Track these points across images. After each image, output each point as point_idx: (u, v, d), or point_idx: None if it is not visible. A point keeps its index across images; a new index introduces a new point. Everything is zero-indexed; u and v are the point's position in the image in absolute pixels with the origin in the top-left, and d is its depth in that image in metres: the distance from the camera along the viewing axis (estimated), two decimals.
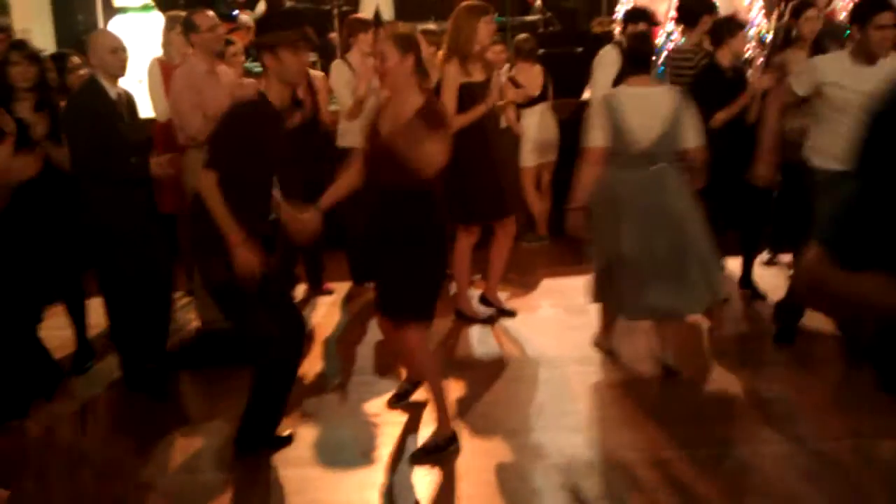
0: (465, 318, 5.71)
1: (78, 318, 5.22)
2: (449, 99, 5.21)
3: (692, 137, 4.51)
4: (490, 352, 5.27)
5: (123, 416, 4.65)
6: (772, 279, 6.13)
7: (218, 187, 3.69)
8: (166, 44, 6.10)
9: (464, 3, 5.41)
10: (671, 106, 4.49)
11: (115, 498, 3.78)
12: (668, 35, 8.26)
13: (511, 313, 5.79)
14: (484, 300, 5.84)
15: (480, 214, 5.48)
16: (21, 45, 4.98)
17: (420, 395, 4.41)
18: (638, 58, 4.65)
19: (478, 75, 5.33)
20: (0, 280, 4.43)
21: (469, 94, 5.25)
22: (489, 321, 5.67)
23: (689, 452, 3.91)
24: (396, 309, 3.95)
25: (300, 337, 4.12)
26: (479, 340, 5.41)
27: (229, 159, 3.72)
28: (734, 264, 5.99)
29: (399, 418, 4.35)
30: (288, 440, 4.11)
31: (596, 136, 4.50)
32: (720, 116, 5.50)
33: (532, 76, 7.01)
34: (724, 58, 5.63)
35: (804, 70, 4.95)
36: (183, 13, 6.08)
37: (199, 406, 4.78)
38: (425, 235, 3.84)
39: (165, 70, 5.90)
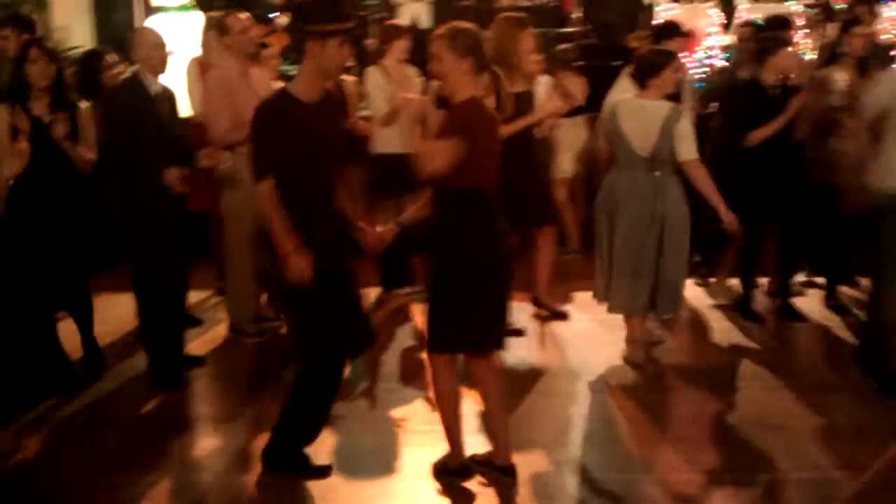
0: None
1: (85, 324, 5.03)
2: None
3: (684, 150, 4.67)
4: (522, 364, 5.19)
5: (144, 415, 4.60)
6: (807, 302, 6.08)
7: (270, 196, 3.51)
8: (205, 44, 6.11)
9: (505, 14, 5.43)
10: (663, 118, 4.67)
11: (127, 499, 3.72)
12: (708, 50, 8.20)
13: (564, 315, 5.87)
14: (537, 303, 5.90)
15: (521, 223, 5.43)
16: (40, 42, 4.84)
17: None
18: (640, 73, 4.82)
19: (518, 86, 5.32)
20: (13, 279, 4.45)
21: (513, 104, 5.24)
22: (519, 334, 5.58)
23: (714, 476, 3.84)
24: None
25: (361, 346, 3.96)
26: (511, 352, 5.34)
27: (271, 163, 3.55)
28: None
29: (425, 427, 4.29)
30: (325, 471, 3.82)
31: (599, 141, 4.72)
32: (757, 135, 5.43)
33: (574, 86, 6.94)
34: (768, 75, 5.56)
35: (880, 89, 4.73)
36: (221, 14, 6.10)
37: (221, 406, 4.75)
38: (464, 243, 3.57)
39: (203, 70, 5.90)
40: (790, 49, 5.61)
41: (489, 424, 3.90)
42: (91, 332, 5.04)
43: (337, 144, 3.75)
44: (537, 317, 5.84)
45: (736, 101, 5.70)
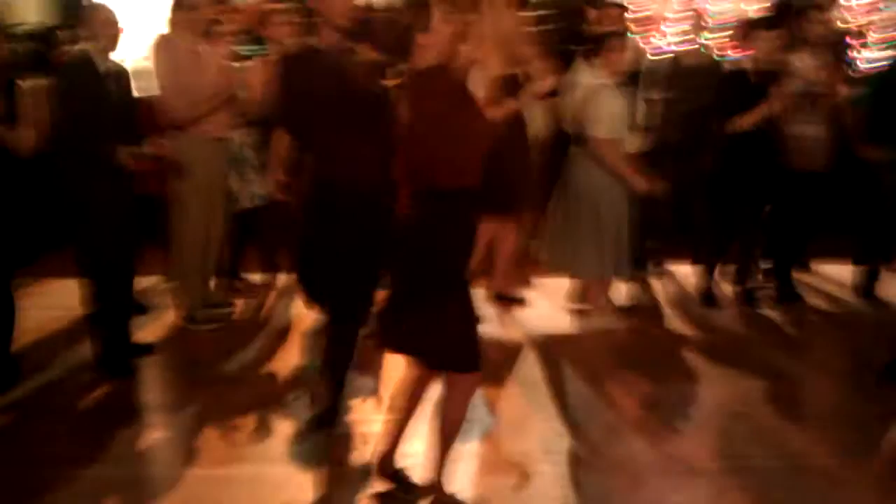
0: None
1: (4, 330, 4.61)
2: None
3: (590, 127, 4.79)
4: (496, 356, 5.11)
5: (90, 405, 4.44)
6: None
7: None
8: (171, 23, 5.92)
9: None
10: (584, 96, 4.84)
11: (75, 493, 3.58)
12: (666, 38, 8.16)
13: (522, 300, 5.83)
14: (498, 296, 5.82)
15: (502, 208, 5.37)
16: None
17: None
18: (586, 53, 5.01)
19: (503, 68, 5.26)
20: None
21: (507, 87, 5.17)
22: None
23: (675, 464, 3.81)
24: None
25: None
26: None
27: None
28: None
29: (378, 416, 4.20)
30: None
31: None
32: (740, 122, 5.44)
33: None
34: (748, 61, 5.57)
35: None
36: None
37: (171, 395, 4.58)
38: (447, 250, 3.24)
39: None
40: (764, 35, 5.56)
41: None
42: (9, 342, 4.63)
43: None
44: (497, 304, 5.78)
45: (719, 87, 5.71)
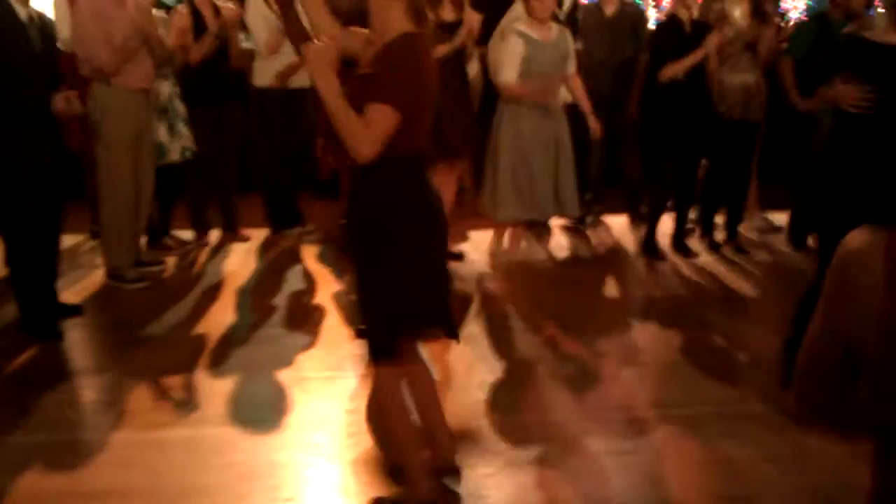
0: None
1: None
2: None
3: (493, 72, 5.39)
4: None
5: (15, 369, 4.24)
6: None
7: None
8: None
9: None
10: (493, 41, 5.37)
11: None
12: None
13: (460, 256, 5.76)
14: None
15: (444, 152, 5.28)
16: None
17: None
18: None
19: (447, 15, 5.16)
20: None
21: (440, 36, 5.08)
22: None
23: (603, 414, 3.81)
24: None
25: None
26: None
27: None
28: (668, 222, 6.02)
29: (318, 374, 4.12)
30: None
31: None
32: (669, 70, 5.44)
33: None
34: (680, 11, 5.57)
35: None
36: None
37: (100, 358, 4.41)
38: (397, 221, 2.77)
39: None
40: None
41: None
42: None
43: None
44: None
45: (655, 38, 5.71)
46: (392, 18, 2.65)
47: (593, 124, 5.47)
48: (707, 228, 6.17)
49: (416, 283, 2.75)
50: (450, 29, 5.22)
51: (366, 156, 2.60)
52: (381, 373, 2.90)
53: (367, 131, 2.58)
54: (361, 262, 2.81)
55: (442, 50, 5.07)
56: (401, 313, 2.78)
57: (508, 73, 5.18)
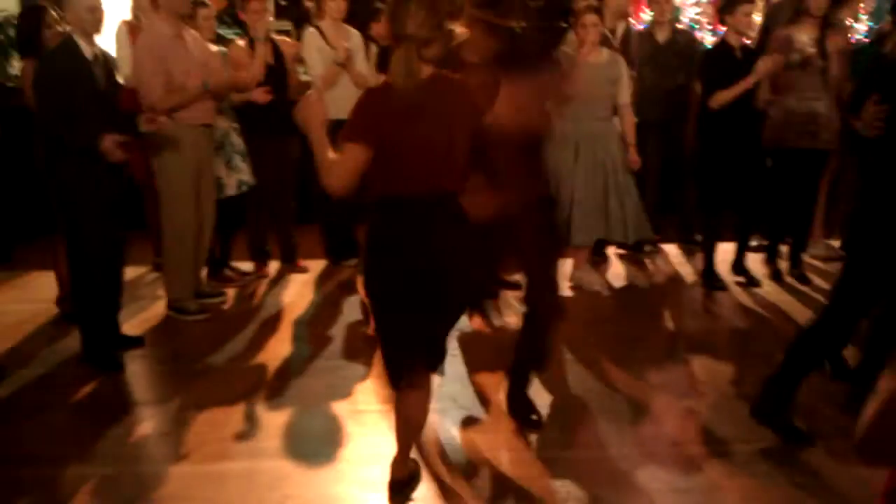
0: None
1: None
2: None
3: None
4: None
5: (77, 402, 4.31)
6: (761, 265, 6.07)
7: None
8: (136, 7, 5.80)
9: None
10: None
11: (58, 494, 3.43)
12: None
13: (517, 286, 5.62)
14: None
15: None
16: None
17: None
18: None
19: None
20: None
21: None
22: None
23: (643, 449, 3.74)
24: None
25: None
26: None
27: None
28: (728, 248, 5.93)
29: (373, 406, 4.13)
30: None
31: None
32: (720, 97, 5.37)
33: None
34: (731, 36, 5.51)
35: None
36: None
37: (162, 390, 4.47)
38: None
39: (134, 33, 5.63)
40: (747, 7, 5.49)
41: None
42: None
43: None
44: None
45: (705, 63, 5.65)
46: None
47: (633, 156, 5.47)
48: (771, 256, 6.06)
49: (395, 322, 2.96)
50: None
51: (333, 188, 2.83)
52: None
53: (334, 167, 2.81)
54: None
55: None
56: (391, 351, 3.02)
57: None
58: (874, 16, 7.21)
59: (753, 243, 6.28)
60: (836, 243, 6.53)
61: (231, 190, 5.67)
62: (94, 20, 4.50)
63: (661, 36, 6.32)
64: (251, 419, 4.03)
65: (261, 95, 5.62)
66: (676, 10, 7.61)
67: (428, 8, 2.74)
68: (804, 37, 5.59)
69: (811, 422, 3.88)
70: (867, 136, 4.97)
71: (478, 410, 4.10)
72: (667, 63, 6.25)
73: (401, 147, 2.78)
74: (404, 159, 2.80)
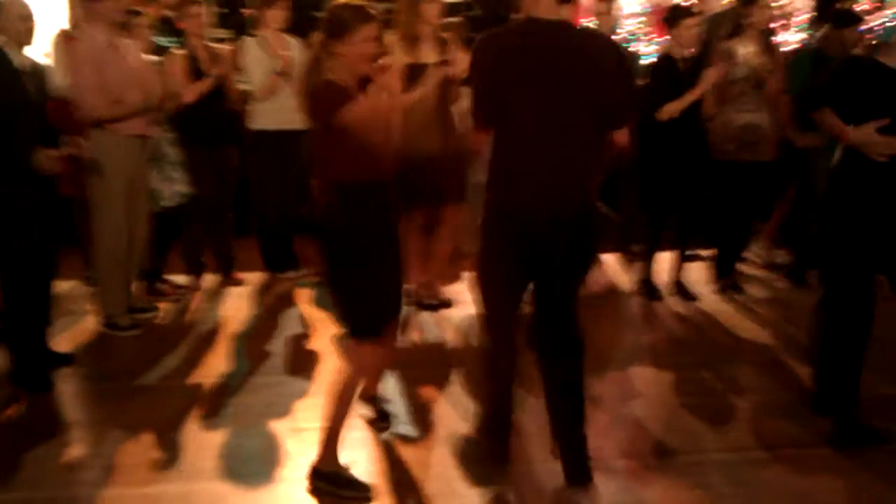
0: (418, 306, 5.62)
1: None
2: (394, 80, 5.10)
3: None
4: (432, 348, 5.10)
5: (5, 422, 4.14)
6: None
7: None
8: (74, 17, 5.65)
9: None
10: None
11: None
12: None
13: (448, 304, 5.67)
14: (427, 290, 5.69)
15: (432, 198, 5.32)
16: None
17: None
18: None
19: (430, 57, 5.13)
20: None
21: (416, 76, 5.06)
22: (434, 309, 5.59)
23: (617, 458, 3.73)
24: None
25: None
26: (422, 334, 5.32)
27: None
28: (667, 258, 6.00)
29: (314, 424, 4.03)
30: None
31: None
32: (668, 108, 5.40)
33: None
34: (674, 49, 5.55)
35: None
36: None
37: (94, 409, 4.31)
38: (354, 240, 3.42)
39: (72, 44, 5.47)
40: (691, 21, 5.54)
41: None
42: None
43: None
44: (421, 307, 5.63)
45: (651, 75, 5.67)
46: None
47: None
48: (719, 269, 6.11)
49: (386, 283, 3.41)
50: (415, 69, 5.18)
51: None
52: (363, 352, 3.42)
53: None
54: (339, 268, 3.37)
55: (416, 94, 5.06)
56: (380, 305, 3.40)
57: None
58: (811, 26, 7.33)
59: (693, 253, 6.35)
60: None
61: (167, 201, 5.55)
62: (26, 30, 4.39)
63: None
64: (187, 439, 3.91)
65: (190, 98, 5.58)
66: (615, 23, 7.67)
67: None
68: (745, 49, 5.67)
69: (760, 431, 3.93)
70: (804, 148, 5.10)
71: (414, 427, 4.05)
72: None
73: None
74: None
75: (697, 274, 6.20)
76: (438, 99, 5.16)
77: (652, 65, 5.78)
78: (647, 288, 5.88)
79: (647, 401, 4.36)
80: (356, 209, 3.32)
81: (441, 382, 4.52)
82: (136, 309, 5.39)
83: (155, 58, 5.65)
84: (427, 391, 4.43)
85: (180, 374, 4.67)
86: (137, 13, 5.61)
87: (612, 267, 6.53)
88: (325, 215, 3.39)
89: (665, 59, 5.65)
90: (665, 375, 4.67)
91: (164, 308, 5.67)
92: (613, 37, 6.50)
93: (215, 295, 5.98)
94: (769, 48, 5.78)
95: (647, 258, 5.92)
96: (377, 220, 3.37)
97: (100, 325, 5.23)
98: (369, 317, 3.39)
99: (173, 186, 5.58)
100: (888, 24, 7.81)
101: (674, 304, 5.81)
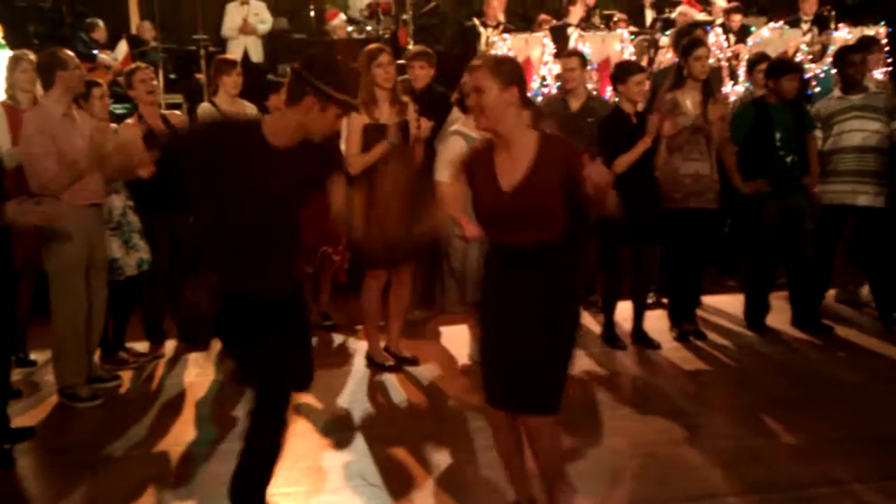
0: (375, 366, 5.61)
1: None
2: (351, 142, 5.27)
3: (437, 172, 5.24)
4: (400, 402, 5.09)
5: None
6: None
7: None
8: (11, 86, 5.64)
9: (367, 47, 5.53)
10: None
11: None
12: (542, 81, 8.31)
13: (414, 362, 5.66)
14: (386, 350, 5.70)
15: (385, 259, 5.31)
16: None
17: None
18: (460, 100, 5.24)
19: (389, 117, 5.28)
20: None
21: (374, 136, 5.26)
22: (394, 369, 5.56)
23: None
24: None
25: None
26: (388, 390, 5.30)
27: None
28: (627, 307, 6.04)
29: (276, 490, 3.99)
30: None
31: None
32: (621, 161, 5.51)
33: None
34: (624, 104, 5.68)
35: None
36: (29, 53, 5.70)
37: (56, 484, 4.20)
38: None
39: (10, 113, 5.47)
40: (639, 76, 5.69)
41: None
42: None
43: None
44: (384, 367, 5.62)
45: (601, 129, 5.78)
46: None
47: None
48: (674, 316, 6.19)
49: None
50: (383, 131, 5.29)
51: None
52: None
53: None
54: None
55: (376, 152, 5.14)
56: None
57: (443, 173, 5.08)
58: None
59: (650, 301, 6.44)
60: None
61: (130, 270, 5.54)
62: None
63: (575, 104, 6.45)
64: None
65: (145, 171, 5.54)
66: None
67: None
68: (688, 100, 5.84)
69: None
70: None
71: (388, 486, 4.03)
72: (579, 131, 6.33)
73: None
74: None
75: (658, 322, 6.26)
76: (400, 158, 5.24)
77: (602, 121, 5.89)
78: (610, 337, 5.93)
79: (618, 450, 4.38)
80: None
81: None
82: (96, 379, 5.32)
83: (113, 125, 5.66)
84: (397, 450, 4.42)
85: (146, 444, 4.59)
86: (96, 84, 5.64)
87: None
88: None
89: (616, 115, 5.76)
90: (633, 423, 4.70)
91: (126, 377, 5.60)
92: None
93: (177, 361, 5.92)
94: (711, 98, 5.93)
95: (607, 308, 5.98)
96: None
97: (59, 397, 5.13)
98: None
99: (138, 254, 5.57)
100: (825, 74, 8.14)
101: (636, 352, 5.86)
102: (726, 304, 6.79)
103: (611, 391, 5.21)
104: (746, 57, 7.90)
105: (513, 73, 3.21)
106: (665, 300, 6.50)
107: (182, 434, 4.69)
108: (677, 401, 5.03)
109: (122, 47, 9.48)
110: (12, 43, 7.35)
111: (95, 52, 8.70)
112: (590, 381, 5.41)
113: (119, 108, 6.86)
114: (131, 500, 3.93)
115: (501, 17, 9.13)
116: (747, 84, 7.57)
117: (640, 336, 5.97)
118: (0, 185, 4.46)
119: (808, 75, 8.18)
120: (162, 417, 4.95)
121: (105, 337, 5.63)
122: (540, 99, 7.52)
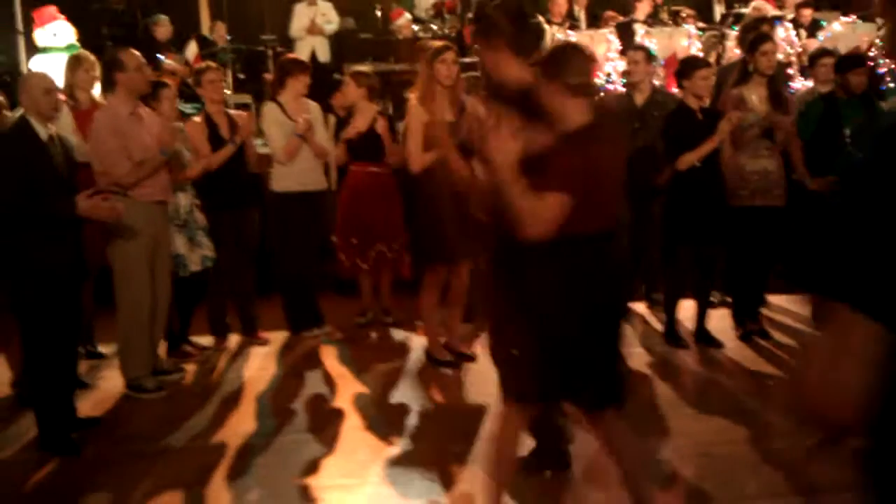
0: (434, 361, 5.61)
1: None
2: (413, 139, 5.26)
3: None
4: (457, 398, 5.10)
5: (34, 488, 4.17)
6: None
7: None
8: (69, 85, 5.79)
9: (425, 44, 5.53)
10: None
11: None
12: (607, 77, 8.24)
13: (472, 358, 5.63)
14: (445, 346, 5.70)
15: (442, 255, 5.35)
16: None
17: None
18: None
19: (449, 115, 5.24)
20: None
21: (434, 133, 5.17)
22: (453, 365, 5.56)
23: None
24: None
25: None
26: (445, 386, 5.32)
27: None
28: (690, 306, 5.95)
29: (333, 482, 4.04)
30: None
31: None
32: (686, 158, 5.42)
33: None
34: (690, 100, 5.59)
35: None
36: (90, 54, 5.85)
37: (122, 473, 4.29)
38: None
39: (75, 113, 5.61)
40: (705, 72, 5.60)
41: None
42: None
43: None
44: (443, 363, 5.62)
45: (666, 126, 5.71)
46: (570, 112, 3.01)
47: None
48: (738, 315, 6.07)
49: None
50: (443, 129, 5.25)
51: (537, 236, 2.91)
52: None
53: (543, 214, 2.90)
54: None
55: (431, 154, 5.12)
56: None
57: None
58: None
59: (715, 300, 6.32)
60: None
61: (194, 266, 5.65)
62: (51, 102, 4.50)
63: (640, 98, 6.39)
64: (212, 500, 3.92)
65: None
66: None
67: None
68: (754, 96, 5.72)
69: None
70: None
71: (442, 480, 4.03)
72: (644, 125, 6.26)
73: (596, 186, 2.98)
74: (596, 197, 2.99)
75: (722, 321, 6.15)
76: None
77: (667, 116, 5.80)
78: (672, 336, 5.85)
79: (680, 449, 4.32)
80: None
81: None
82: (161, 371, 5.43)
83: (180, 124, 5.79)
84: None
85: (206, 435, 4.68)
86: (164, 85, 5.77)
87: (638, 315, 6.52)
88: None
89: (681, 110, 5.68)
90: (695, 423, 4.63)
91: (190, 370, 5.71)
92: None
93: (240, 355, 6.02)
94: (777, 94, 5.80)
95: (669, 307, 5.89)
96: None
97: (125, 388, 5.26)
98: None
99: (201, 251, 5.68)
100: None
101: (699, 351, 5.77)
102: (793, 304, 6.63)
103: (673, 390, 5.14)
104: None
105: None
106: (729, 299, 6.37)
107: (241, 426, 4.77)
108: (740, 400, 4.93)
109: (192, 48, 9.69)
110: (86, 45, 7.54)
111: (160, 56, 8.87)
112: (652, 380, 5.35)
113: (189, 108, 7.00)
114: (191, 488, 4.02)
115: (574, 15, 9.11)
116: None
117: (702, 335, 5.86)
118: (73, 179, 4.58)
119: (881, 70, 7.95)
120: (222, 409, 5.04)
121: (170, 330, 5.75)
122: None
